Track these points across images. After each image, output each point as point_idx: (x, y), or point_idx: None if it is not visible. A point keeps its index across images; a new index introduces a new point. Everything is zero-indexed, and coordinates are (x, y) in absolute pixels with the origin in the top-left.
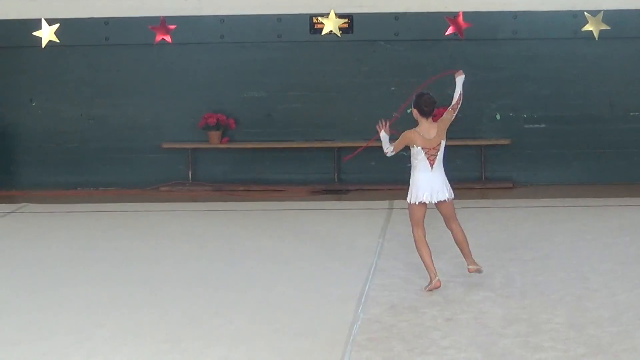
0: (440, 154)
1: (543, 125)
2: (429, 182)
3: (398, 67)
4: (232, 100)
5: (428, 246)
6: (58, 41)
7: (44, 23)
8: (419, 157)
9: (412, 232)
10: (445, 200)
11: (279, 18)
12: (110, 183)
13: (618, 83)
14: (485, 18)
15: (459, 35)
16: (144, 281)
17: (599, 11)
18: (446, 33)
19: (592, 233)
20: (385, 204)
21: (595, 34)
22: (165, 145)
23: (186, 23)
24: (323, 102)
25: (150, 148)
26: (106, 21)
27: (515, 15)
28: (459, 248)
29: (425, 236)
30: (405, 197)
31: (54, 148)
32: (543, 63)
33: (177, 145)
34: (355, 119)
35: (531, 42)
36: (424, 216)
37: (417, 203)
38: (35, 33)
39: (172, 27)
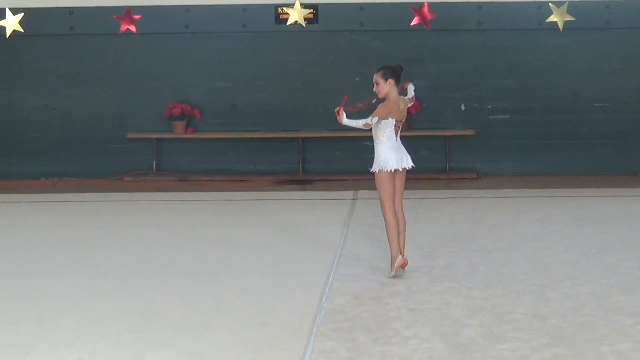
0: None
1: (507, 116)
2: (396, 150)
3: (363, 58)
4: (197, 91)
5: (397, 221)
6: (22, 31)
7: (8, 12)
8: (387, 129)
9: (383, 206)
10: (407, 168)
11: (244, 8)
12: (74, 173)
13: (583, 74)
14: (450, 9)
15: (424, 25)
16: (108, 270)
17: (563, 2)
18: (411, 24)
19: (556, 224)
20: (349, 194)
21: (560, 25)
22: (130, 135)
23: (151, 13)
24: (288, 93)
25: (115, 138)
26: (71, 11)
27: (480, 6)
28: (399, 236)
29: (395, 211)
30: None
31: (18, 138)
32: (508, 54)
33: (142, 136)
34: (320, 110)
35: (496, 33)
36: (394, 189)
37: (389, 170)
38: None
39: (137, 17)
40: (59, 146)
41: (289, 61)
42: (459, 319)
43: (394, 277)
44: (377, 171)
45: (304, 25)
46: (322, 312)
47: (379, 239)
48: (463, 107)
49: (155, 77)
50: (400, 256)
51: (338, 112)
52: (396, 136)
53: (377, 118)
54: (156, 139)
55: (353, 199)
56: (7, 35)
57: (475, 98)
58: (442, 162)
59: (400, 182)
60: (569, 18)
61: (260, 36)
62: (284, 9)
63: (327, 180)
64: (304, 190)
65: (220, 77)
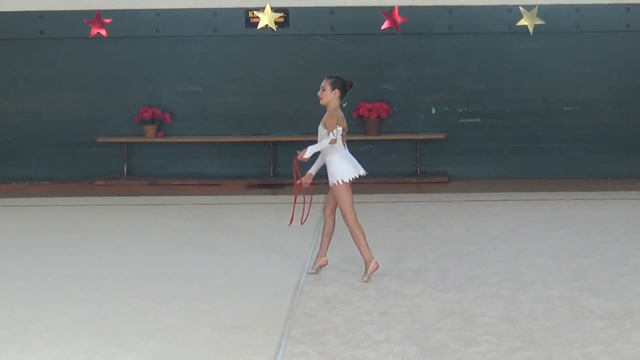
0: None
1: (478, 120)
2: (350, 159)
3: (334, 62)
4: (168, 95)
5: (362, 227)
6: None
7: None
8: (338, 140)
9: (347, 217)
10: (362, 176)
11: (215, 12)
12: (45, 177)
13: (553, 78)
14: (420, 13)
15: (395, 29)
16: (79, 275)
17: (533, 6)
18: (382, 27)
19: (526, 227)
20: (320, 198)
21: (530, 29)
22: (101, 140)
23: (121, 17)
24: (259, 97)
25: (86, 142)
26: (41, 14)
27: (450, 10)
28: (323, 238)
29: (356, 217)
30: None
31: None
32: (478, 58)
33: (113, 140)
34: (290, 113)
35: (466, 36)
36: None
37: (350, 180)
38: None
39: (108, 20)
40: (29, 150)
41: (260, 65)
42: (430, 322)
43: (366, 281)
44: (338, 183)
45: (275, 29)
46: (294, 316)
47: (348, 243)
48: (434, 111)
49: (126, 81)
50: (374, 260)
51: (299, 156)
52: (344, 145)
53: (339, 128)
54: (127, 143)
55: (323, 203)
56: None
57: (446, 102)
58: (413, 165)
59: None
60: (539, 22)
61: (231, 40)
62: (255, 12)
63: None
64: (274, 194)
65: (191, 81)
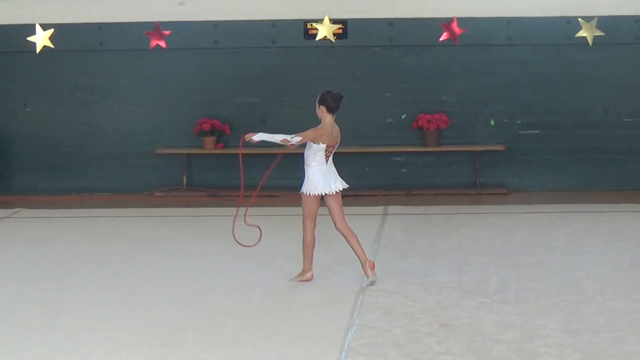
0: (334, 150)
1: (537, 131)
2: (324, 175)
3: (392, 73)
4: (227, 106)
5: (314, 240)
6: (52, 46)
7: (38, 28)
8: (318, 154)
9: (305, 225)
10: (335, 193)
11: (273, 24)
12: (104, 188)
13: (612, 89)
14: (479, 24)
15: (453, 41)
16: (139, 285)
17: (592, 17)
18: (440, 39)
19: (586, 239)
20: (379, 209)
21: (589, 40)
22: (160, 151)
23: (181, 28)
24: (317, 108)
25: (145, 153)
26: (101, 26)
27: (509, 21)
28: (356, 248)
29: (314, 229)
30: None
31: (49, 153)
32: (537, 69)
33: (172, 151)
34: (349, 125)
35: (525, 48)
36: (317, 211)
37: (312, 194)
38: (29, 38)
39: (167, 32)
40: (89, 162)
41: (318, 76)
42: (490, 334)
43: (291, 280)
44: (305, 194)
45: (333, 40)
46: (354, 328)
47: (410, 255)
48: (493, 122)
49: (185, 93)
50: (310, 272)
51: (244, 138)
52: (327, 161)
53: (299, 138)
54: (186, 154)
55: (383, 214)
56: (38, 50)
57: (504, 113)
58: (471, 177)
59: (335, 203)
60: (599, 33)
61: (289, 51)
62: (313, 24)
63: (357, 195)
64: None
65: (250, 92)
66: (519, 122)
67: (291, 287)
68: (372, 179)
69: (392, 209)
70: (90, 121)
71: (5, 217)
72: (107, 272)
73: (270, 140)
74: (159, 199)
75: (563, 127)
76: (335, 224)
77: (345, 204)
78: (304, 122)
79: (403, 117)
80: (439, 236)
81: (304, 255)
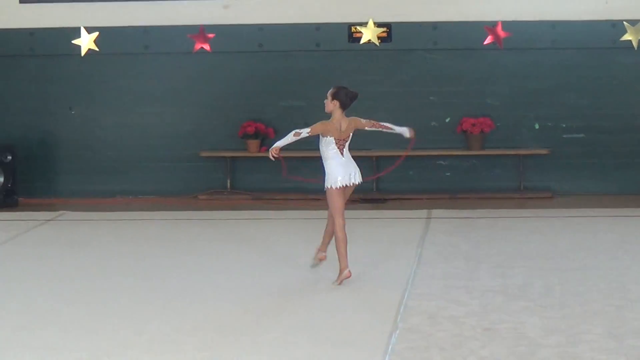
0: (348, 143)
1: (582, 135)
2: (344, 167)
3: (436, 76)
4: (271, 109)
5: (346, 236)
6: (97, 49)
7: (83, 31)
8: (330, 146)
9: (335, 222)
10: (358, 183)
11: (318, 27)
12: (148, 191)
13: None
14: (523, 27)
15: (498, 44)
16: (183, 287)
17: (638, 20)
18: (485, 42)
19: (632, 243)
20: (423, 213)
21: (635, 44)
22: (204, 154)
23: (225, 32)
24: (361, 111)
25: (189, 156)
26: (145, 29)
27: (553, 24)
28: (326, 236)
29: (344, 226)
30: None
31: (93, 156)
32: (582, 72)
33: (216, 154)
34: None
35: (570, 51)
36: (344, 204)
37: (337, 187)
38: (74, 41)
39: (211, 35)
40: (133, 164)
41: (362, 80)
42: (534, 339)
43: (339, 284)
44: (328, 187)
45: (378, 44)
46: (397, 332)
47: (454, 258)
48: (537, 126)
49: (229, 96)
50: (347, 269)
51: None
52: (342, 153)
53: (308, 130)
54: (230, 157)
55: (427, 218)
56: (82, 53)
57: (549, 117)
58: (516, 181)
59: (349, 194)
60: None
61: (333, 55)
62: (358, 27)
63: (401, 199)
64: (377, 209)
65: (294, 95)
66: (564, 125)
67: (334, 290)
68: (417, 182)
69: (436, 212)
70: (134, 124)
71: (50, 220)
72: (151, 274)
73: (286, 143)
74: (203, 202)
75: (608, 130)
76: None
77: (389, 207)
78: None
79: (447, 120)
80: (483, 240)
81: (338, 253)
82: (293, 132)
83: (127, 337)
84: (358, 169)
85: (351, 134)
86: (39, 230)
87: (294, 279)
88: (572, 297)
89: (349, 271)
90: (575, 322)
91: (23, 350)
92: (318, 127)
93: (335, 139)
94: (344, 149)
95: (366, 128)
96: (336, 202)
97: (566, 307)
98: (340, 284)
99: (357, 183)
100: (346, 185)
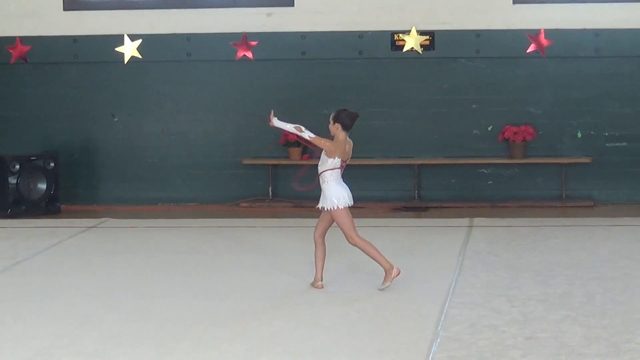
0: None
1: (625, 144)
2: (345, 188)
3: (479, 85)
4: (313, 117)
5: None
6: (140, 57)
7: (126, 39)
8: (336, 167)
9: (352, 238)
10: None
11: (361, 35)
12: (190, 198)
13: None
14: (566, 36)
15: (541, 53)
16: (224, 296)
17: None
18: (527, 50)
19: None
20: (465, 221)
21: None
22: (246, 161)
23: (268, 39)
24: (403, 119)
25: (231, 164)
26: (188, 37)
27: (597, 33)
28: (318, 262)
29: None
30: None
31: (135, 163)
32: (625, 81)
33: (258, 162)
34: (435, 136)
35: (613, 60)
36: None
37: (344, 207)
38: (118, 49)
39: (254, 43)
40: (175, 171)
41: (405, 88)
42: (575, 348)
43: (384, 289)
44: (335, 208)
45: (420, 52)
46: (438, 340)
47: (495, 267)
48: (579, 135)
49: (271, 103)
50: (393, 267)
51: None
52: (341, 175)
53: (313, 136)
54: (272, 165)
55: (469, 226)
56: (126, 61)
57: (591, 125)
58: (558, 189)
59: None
60: None
61: (376, 63)
62: (400, 35)
63: (443, 207)
64: (419, 217)
65: (337, 103)
66: (606, 134)
67: (374, 298)
68: (458, 190)
69: (477, 220)
70: (176, 131)
71: (92, 227)
72: (192, 283)
73: (284, 127)
74: (245, 209)
75: None
76: (318, 234)
77: (430, 215)
78: (391, 133)
79: (489, 128)
80: (524, 248)
81: (377, 260)
82: (298, 125)
83: (168, 343)
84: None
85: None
86: (81, 237)
87: (334, 287)
88: (613, 306)
89: (397, 268)
90: (616, 331)
91: (65, 357)
92: (327, 143)
93: (341, 160)
94: (342, 171)
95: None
96: (347, 220)
97: (607, 317)
98: (390, 284)
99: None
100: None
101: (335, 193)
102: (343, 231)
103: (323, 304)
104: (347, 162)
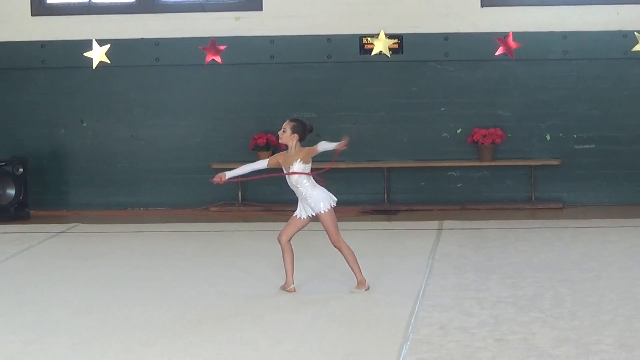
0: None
1: (593, 146)
2: (324, 189)
3: (448, 88)
4: (282, 121)
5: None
6: (109, 62)
7: (94, 44)
8: (309, 173)
9: (339, 241)
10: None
11: (329, 38)
12: (160, 203)
13: None
14: (535, 38)
15: (509, 55)
16: (194, 302)
17: None
18: (496, 53)
19: None
20: (434, 224)
21: None
22: (215, 166)
23: (236, 44)
24: (372, 123)
25: (200, 168)
26: (157, 42)
27: (565, 35)
28: (289, 266)
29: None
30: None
31: (105, 168)
32: (593, 83)
33: (227, 166)
34: (405, 140)
35: (581, 62)
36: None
37: (330, 209)
38: (86, 54)
39: (222, 47)
40: (144, 176)
41: (374, 91)
42: (545, 349)
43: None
44: (326, 211)
45: (389, 55)
46: (408, 343)
47: (465, 269)
48: (548, 137)
49: (241, 108)
50: (367, 282)
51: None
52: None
53: (265, 163)
54: None
55: (438, 229)
56: (94, 66)
57: (560, 128)
58: (527, 192)
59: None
60: None
61: (345, 66)
62: (369, 39)
63: (412, 210)
64: (388, 220)
65: (305, 107)
66: (575, 136)
67: (343, 301)
68: (428, 193)
69: (447, 223)
70: (146, 136)
71: (61, 232)
72: (163, 287)
73: (240, 173)
74: (215, 213)
75: (619, 141)
76: (286, 237)
77: (400, 218)
78: (360, 137)
79: (458, 131)
80: (494, 251)
81: (353, 268)
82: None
83: (138, 349)
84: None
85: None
86: (50, 243)
87: (305, 291)
88: (582, 307)
89: (368, 284)
90: (585, 332)
91: None
92: (304, 153)
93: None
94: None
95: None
96: (334, 222)
97: (577, 318)
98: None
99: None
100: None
101: (319, 196)
102: (330, 232)
103: (293, 308)
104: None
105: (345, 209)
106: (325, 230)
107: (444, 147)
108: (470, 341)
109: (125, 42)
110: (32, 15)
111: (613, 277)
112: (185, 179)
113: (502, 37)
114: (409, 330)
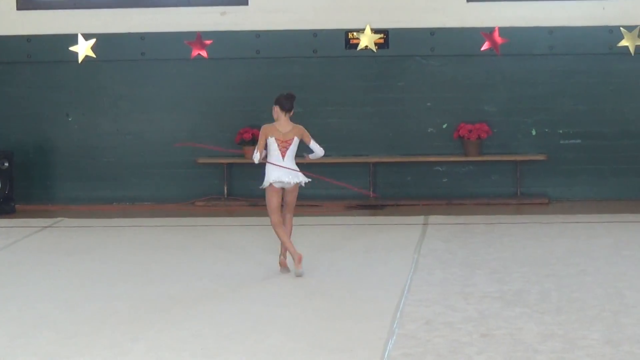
0: (292, 148)
1: (579, 141)
2: (280, 169)
3: (434, 83)
4: (268, 115)
5: (284, 229)
6: (94, 56)
7: (80, 38)
8: (272, 147)
9: (271, 221)
10: (292, 184)
11: (315, 33)
12: (146, 198)
13: None
14: (521, 33)
15: (495, 50)
16: (180, 296)
17: (635, 26)
18: (482, 48)
19: (629, 249)
20: (420, 219)
21: (631, 50)
22: (201, 160)
23: (222, 38)
24: (358, 117)
25: (186, 163)
26: (142, 36)
27: (551, 30)
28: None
29: (281, 223)
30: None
31: (90, 163)
32: (579, 78)
33: (213, 161)
34: (390, 134)
35: (567, 57)
36: (280, 204)
37: (269, 185)
38: (71, 48)
39: (208, 42)
40: (130, 171)
41: (360, 86)
42: (531, 344)
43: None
44: (266, 186)
45: (375, 50)
46: (394, 338)
47: (451, 264)
48: (534, 132)
49: (227, 102)
50: (298, 253)
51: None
52: (283, 157)
53: (257, 153)
54: (227, 163)
55: (424, 224)
56: (80, 60)
57: (546, 123)
58: (513, 187)
59: (291, 197)
60: None
61: (330, 61)
62: (355, 34)
63: (398, 205)
64: (374, 215)
65: None
66: (561, 131)
67: (330, 296)
68: (413, 188)
69: (433, 218)
70: (131, 131)
71: (47, 227)
72: (149, 282)
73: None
74: (200, 208)
75: (605, 136)
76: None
77: (385, 213)
78: (346, 131)
79: (444, 126)
80: (480, 246)
81: (283, 243)
82: (257, 157)
83: (124, 344)
84: (297, 173)
85: (296, 140)
86: (36, 237)
87: (289, 286)
88: (568, 302)
89: (300, 255)
90: (571, 327)
91: (20, 358)
92: (262, 132)
93: (276, 139)
94: (287, 153)
95: (305, 141)
96: (270, 202)
97: (563, 313)
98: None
99: (292, 184)
100: (282, 188)
101: (266, 172)
102: (293, 205)
103: (279, 303)
104: (291, 144)
105: (331, 203)
106: (291, 202)
107: (430, 142)
108: (456, 336)
109: (111, 36)
110: (17, 9)
111: (599, 272)
112: (171, 173)
113: (488, 32)
114: (395, 325)
